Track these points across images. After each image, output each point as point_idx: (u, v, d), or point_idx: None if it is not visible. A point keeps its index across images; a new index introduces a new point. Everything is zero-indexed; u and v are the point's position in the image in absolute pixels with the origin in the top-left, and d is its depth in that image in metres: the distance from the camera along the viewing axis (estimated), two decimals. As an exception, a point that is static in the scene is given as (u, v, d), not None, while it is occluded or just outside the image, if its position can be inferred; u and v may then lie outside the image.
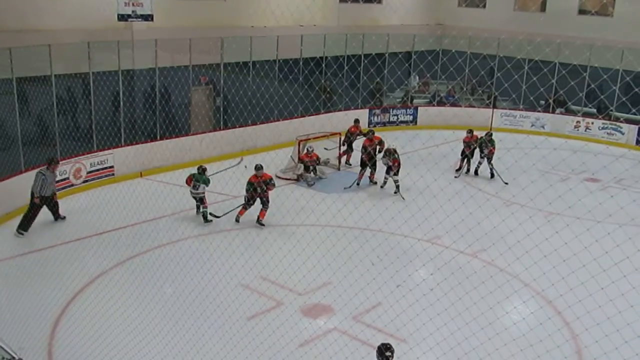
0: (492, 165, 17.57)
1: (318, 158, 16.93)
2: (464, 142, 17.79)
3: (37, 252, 11.63)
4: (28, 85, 14.93)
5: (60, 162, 14.52)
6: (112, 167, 15.82)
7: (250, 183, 13.48)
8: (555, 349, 7.88)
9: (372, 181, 16.87)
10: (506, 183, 16.92)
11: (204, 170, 13.50)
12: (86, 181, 15.24)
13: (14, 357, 3.82)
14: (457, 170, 17.97)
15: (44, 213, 13.06)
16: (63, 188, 14.63)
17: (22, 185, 13.63)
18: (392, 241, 12.57)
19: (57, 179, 13.65)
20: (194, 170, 13.74)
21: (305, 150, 16.77)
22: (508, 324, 8.90)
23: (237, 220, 13.62)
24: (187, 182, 13.62)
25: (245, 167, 13.80)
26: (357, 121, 19.16)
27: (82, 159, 15.14)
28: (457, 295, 8.89)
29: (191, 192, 13.50)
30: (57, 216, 13.36)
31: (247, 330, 9.03)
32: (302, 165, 16.85)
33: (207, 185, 13.42)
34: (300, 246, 11.38)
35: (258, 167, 13.43)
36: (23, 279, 10.56)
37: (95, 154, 15.57)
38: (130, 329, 8.78)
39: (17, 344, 8.20)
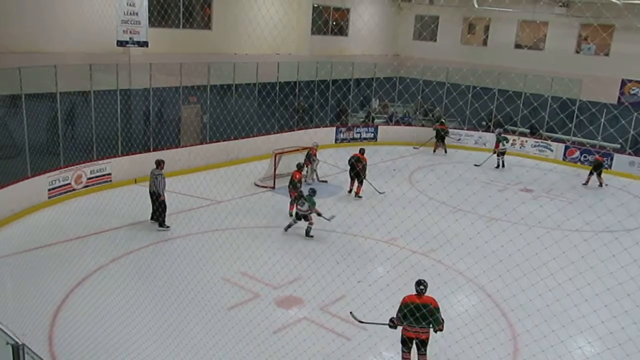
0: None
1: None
2: None
3: (41, 248, 11.35)
4: (35, 101, 14.62)
5: (63, 169, 14.32)
6: (109, 174, 15.57)
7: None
8: (493, 336, 7.97)
9: (358, 195, 15.96)
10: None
11: (314, 192, 12.85)
12: (86, 186, 14.96)
13: (17, 342, 3.71)
14: None
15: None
16: (65, 192, 14.34)
17: (28, 188, 13.34)
18: (355, 242, 12.59)
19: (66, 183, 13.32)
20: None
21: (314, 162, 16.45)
22: (453, 314, 8.98)
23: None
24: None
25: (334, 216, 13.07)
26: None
27: (83, 167, 14.87)
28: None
29: (298, 209, 12.82)
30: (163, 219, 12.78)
31: (227, 319, 8.94)
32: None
33: (312, 206, 12.60)
34: (276, 245, 11.31)
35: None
36: (28, 272, 10.29)
37: (95, 162, 15.29)
38: (124, 317, 8.64)
39: (20, 331, 8.00)
